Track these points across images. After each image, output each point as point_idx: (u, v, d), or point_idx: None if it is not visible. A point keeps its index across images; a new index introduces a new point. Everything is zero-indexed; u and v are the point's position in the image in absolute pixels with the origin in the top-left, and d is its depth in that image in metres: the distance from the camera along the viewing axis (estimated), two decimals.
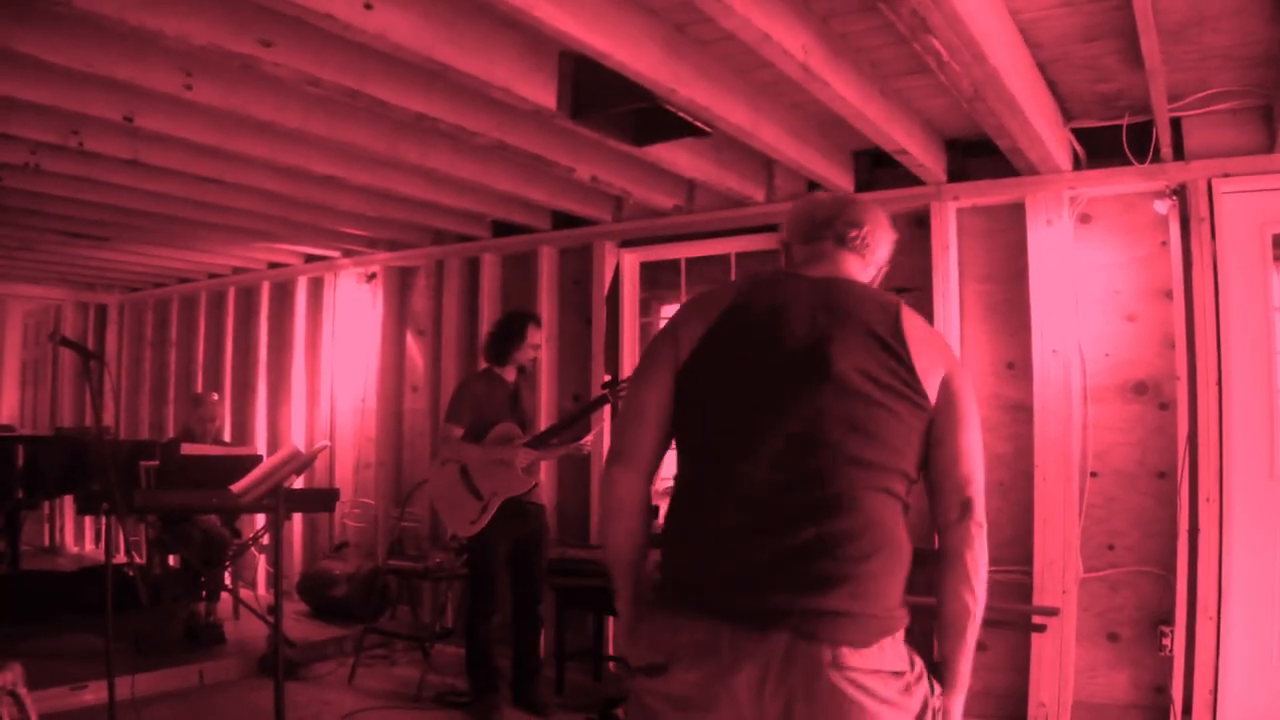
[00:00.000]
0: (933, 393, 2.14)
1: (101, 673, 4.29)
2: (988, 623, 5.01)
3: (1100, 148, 5.02)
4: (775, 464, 2.07)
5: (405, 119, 4.52)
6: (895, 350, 2.13)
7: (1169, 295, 4.95)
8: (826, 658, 1.93)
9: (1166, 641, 4.84)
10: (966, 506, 2.18)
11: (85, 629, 6.22)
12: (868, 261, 2.43)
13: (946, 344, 2.34)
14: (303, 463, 4.27)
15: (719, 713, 1.97)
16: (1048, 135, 4.62)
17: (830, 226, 2.39)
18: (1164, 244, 4.99)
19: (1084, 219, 5.18)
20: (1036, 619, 4.92)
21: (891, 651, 2.00)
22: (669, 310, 8.15)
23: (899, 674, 2.00)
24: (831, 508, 2.04)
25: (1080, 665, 5.05)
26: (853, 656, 1.94)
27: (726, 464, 2.12)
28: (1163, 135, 4.74)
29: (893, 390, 2.11)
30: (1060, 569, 5.02)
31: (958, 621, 2.15)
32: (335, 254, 8.26)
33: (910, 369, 2.12)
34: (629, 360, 6.62)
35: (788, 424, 2.09)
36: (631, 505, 2.26)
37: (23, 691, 2.10)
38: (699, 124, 4.42)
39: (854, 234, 2.38)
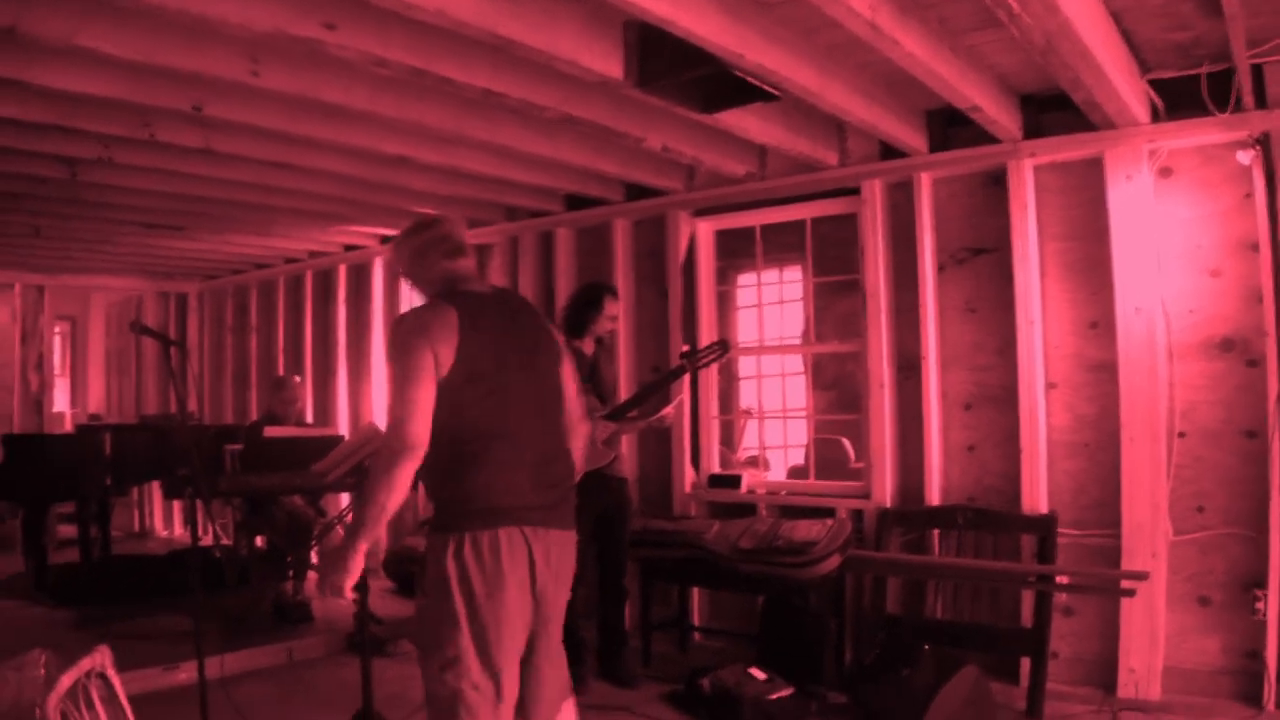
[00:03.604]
0: None
1: (192, 653, 4.35)
2: (1077, 588, 4.97)
3: (1179, 99, 4.86)
4: None
5: (473, 96, 4.51)
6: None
7: (1254, 248, 4.81)
8: None
9: (1260, 605, 4.71)
10: None
11: (176, 611, 6.34)
12: None
13: None
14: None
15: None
16: (1124, 87, 4.50)
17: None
18: (1248, 196, 4.83)
19: (1164, 173, 5.04)
20: (1125, 584, 4.84)
21: None
22: (746, 279, 8.09)
23: None
24: None
25: (1170, 630, 4.94)
26: None
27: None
28: (1244, 83, 4.60)
29: None
30: (1149, 532, 4.92)
31: None
32: None
33: None
34: (706, 330, 6.59)
35: None
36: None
37: (111, 673, 2.13)
38: (767, 88, 4.36)
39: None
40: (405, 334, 2.95)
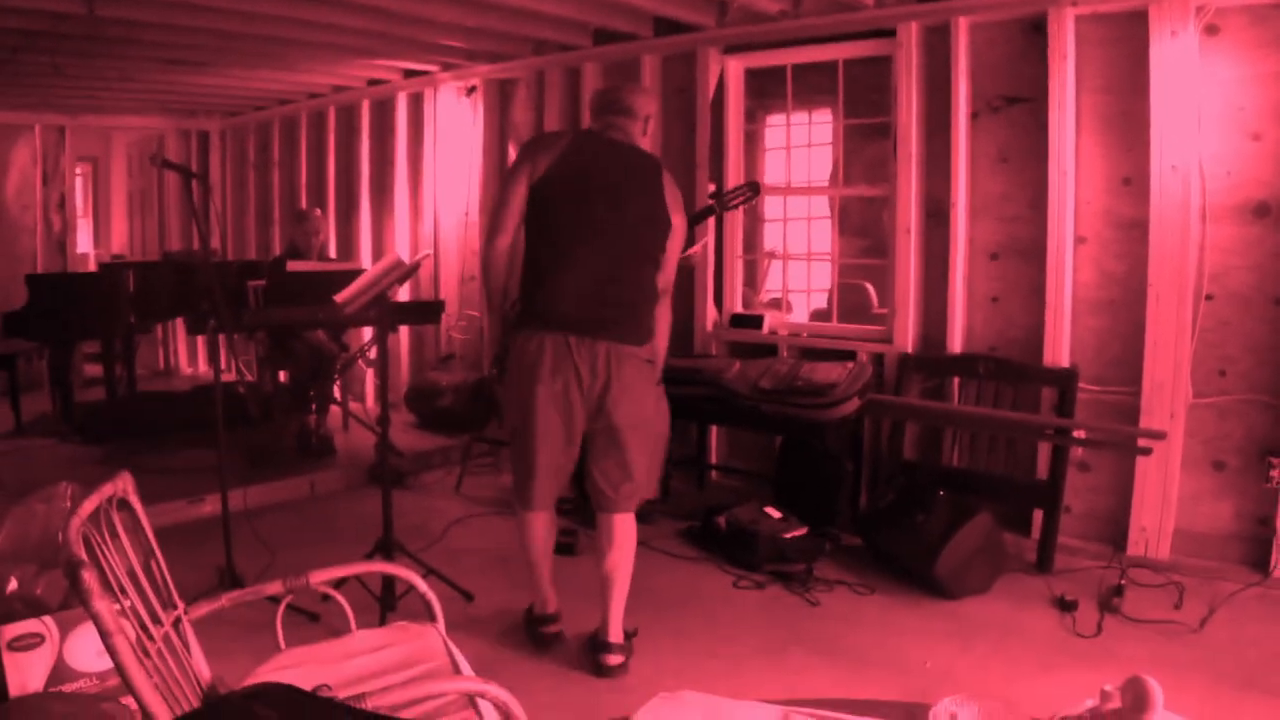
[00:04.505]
0: None
1: (216, 486, 4.44)
2: (1093, 442, 4.98)
3: None
4: None
5: None
6: None
7: None
8: None
9: (1274, 473, 4.73)
10: None
11: (200, 446, 6.43)
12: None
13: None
14: (405, 272, 4.25)
15: None
16: None
17: None
18: None
19: (1210, 30, 4.88)
20: (1142, 442, 4.86)
21: None
22: (775, 119, 7.97)
23: None
24: None
25: (1183, 492, 4.98)
26: None
27: None
28: None
29: None
30: (1169, 392, 4.92)
31: None
32: (434, 68, 8.18)
33: None
34: (734, 170, 6.55)
35: None
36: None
37: (133, 499, 2.16)
38: None
39: None
40: (521, 149, 3.67)
